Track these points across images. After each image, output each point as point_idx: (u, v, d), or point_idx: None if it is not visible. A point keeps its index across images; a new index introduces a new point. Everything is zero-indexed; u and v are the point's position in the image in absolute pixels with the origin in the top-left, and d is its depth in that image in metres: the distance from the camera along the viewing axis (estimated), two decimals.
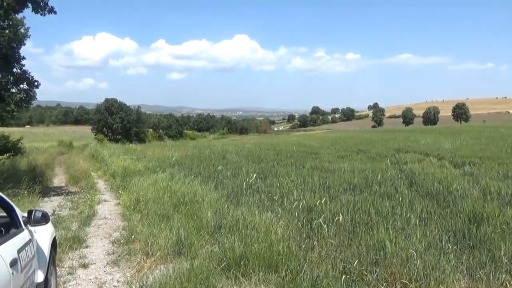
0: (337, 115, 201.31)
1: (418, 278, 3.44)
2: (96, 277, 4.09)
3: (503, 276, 3.52)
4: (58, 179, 12.25)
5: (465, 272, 3.69)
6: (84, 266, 4.37)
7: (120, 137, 58.46)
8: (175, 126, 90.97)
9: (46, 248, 3.14)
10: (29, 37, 11.33)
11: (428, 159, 11.81)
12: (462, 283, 3.48)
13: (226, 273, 3.77)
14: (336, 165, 10.97)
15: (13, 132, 21.64)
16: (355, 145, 19.29)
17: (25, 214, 3.01)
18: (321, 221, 4.58)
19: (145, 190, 7.41)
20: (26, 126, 73.84)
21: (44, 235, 3.21)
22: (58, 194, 9.21)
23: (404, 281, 3.42)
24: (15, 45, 10.86)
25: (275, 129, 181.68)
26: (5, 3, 8.50)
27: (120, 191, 8.56)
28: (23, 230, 2.85)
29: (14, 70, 11.01)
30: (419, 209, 5.67)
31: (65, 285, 3.92)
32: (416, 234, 4.36)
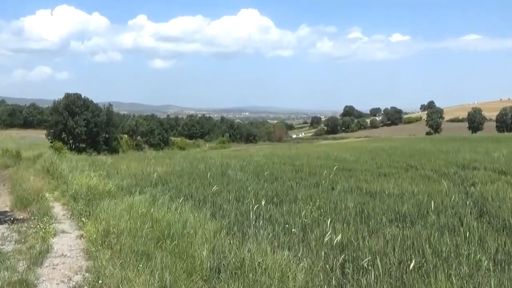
0: (378, 118, 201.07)
1: None
2: None
3: None
4: (0, 202, 12.27)
5: None
6: None
7: (84, 145, 58.24)
8: (159, 132, 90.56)
9: None
10: None
11: (504, 179, 11.75)
12: None
13: None
14: (377, 186, 10.98)
15: None
16: (403, 159, 19.25)
17: None
18: (358, 264, 4.52)
19: (117, 218, 7.45)
20: None
21: None
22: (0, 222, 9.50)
23: None
24: None
25: (294, 136, 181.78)
26: None
27: (83, 218, 8.65)
28: None
29: None
30: (493, 248, 5.59)
31: None
32: (489, 284, 4.28)
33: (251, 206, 8.01)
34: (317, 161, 18.54)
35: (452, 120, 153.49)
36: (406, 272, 4.64)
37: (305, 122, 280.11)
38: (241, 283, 4.20)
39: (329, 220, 6.38)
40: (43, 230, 7.86)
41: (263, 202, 7.93)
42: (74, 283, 5.38)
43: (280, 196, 9.57)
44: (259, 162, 18.67)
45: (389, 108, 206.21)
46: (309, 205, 8.23)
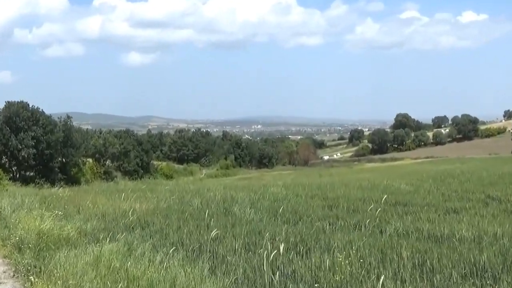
0: (444, 130, 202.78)
1: None
2: None
3: None
4: None
5: None
6: None
7: (33, 173, 59.09)
8: (136, 154, 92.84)
9: None
10: None
11: None
12: None
13: None
14: (445, 228, 11.00)
15: None
16: (480, 188, 19.32)
17: None
18: None
19: (78, 276, 7.48)
20: None
21: None
22: None
23: None
24: None
25: (326, 157, 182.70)
26: None
27: (32, 277, 8.55)
28: None
29: None
30: None
31: None
32: None
33: (266, 257, 7.98)
34: (358, 193, 18.58)
35: None
36: None
37: (341, 138, 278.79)
38: None
39: (375, 276, 6.42)
40: None
41: (282, 251, 7.86)
42: None
43: (307, 243, 9.62)
44: (277, 195, 18.70)
45: (459, 116, 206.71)
46: (348, 255, 8.23)
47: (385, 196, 17.03)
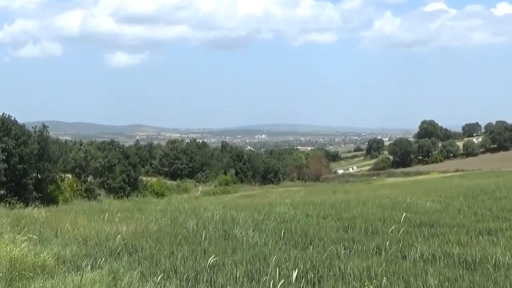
0: (476, 140, 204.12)
1: None
2: None
3: None
4: None
5: None
6: None
7: (4, 191, 59.18)
8: (122, 168, 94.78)
9: None
10: None
11: None
12: None
13: None
14: (478, 252, 11.00)
15: None
16: None
17: None
18: None
19: None
20: None
21: None
22: None
23: None
24: None
25: (341, 171, 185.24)
26: None
27: None
28: None
29: None
30: None
31: None
32: None
33: (272, 287, 8.01)
34: (378, 212, 18.60)
35: None
36: None
37: (358, 149, 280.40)
38: None
39: None
40: None
41: (293, 279, 7.86)
42: None
43: (319, 270, 9.59)
44: (284, 215, 18.73)
45: (493, 123, 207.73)
46: (365, 284, 8.19)
47: (409, 215, 16.92)
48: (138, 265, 10.60)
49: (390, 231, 13.92)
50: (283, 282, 7.94)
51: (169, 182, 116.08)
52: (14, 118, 61.41)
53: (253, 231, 14.85)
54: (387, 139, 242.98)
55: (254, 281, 9.09)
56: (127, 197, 60.42)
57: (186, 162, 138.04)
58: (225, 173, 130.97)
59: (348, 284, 8.56)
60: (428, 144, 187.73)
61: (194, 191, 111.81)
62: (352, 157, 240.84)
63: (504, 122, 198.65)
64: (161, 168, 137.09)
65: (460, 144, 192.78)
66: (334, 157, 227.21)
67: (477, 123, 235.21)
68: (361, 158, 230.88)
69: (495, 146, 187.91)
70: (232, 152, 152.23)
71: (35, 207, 29.54)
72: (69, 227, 16.68)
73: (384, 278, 8.77)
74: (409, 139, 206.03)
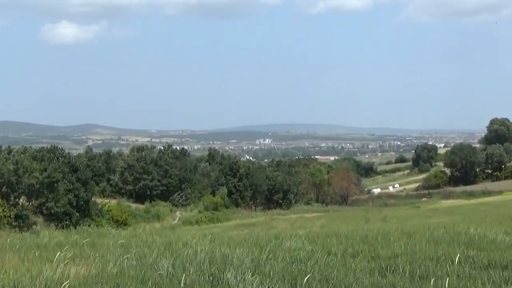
0: None
1: None
2: None
3: None
4: None
5: None
6: None
7: None
8: (69, 186, 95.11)
9: None
10: None
11: None
12: None
13: None
14: None
15: None
16: None
17: None
18: None
19: None
20: None
21: None
22: None
23: None
24: None
25: (376, 190, 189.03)
26: None
27: None
28: None
29: None
30: None
31: None
32: None
33: None
34: (429, 248, 18.56)
35: None
36: None
37: (400, 160, 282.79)
38: None
39: None
40: None
41: None
42: None
43: None
44: (296, 252, 18.61)
45: None
46: None
47: (472, 253, 16.82)
48: None
49: (445, 275, 13.70)
50: None
51: (134, 205, 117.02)
52: None
53: (252, 275, 14.64)
54: (442, 145, 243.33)
55: None
56: (75, 227, 60.22)
57: (158, 177, 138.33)
58: (213, 193, 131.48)
59: None
60: (500, 153, 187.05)
61: (170, 218, 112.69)
62: (393, 171, 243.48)
63: None
64: (123, 186, 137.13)
65: None
66: (368, 170, 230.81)
67: None
68: (406, 172, 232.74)
69: None
70: (224, 163, 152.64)
71: None
72: None
73: None
74: (473, 145, 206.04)
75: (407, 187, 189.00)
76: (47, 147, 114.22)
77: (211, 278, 14.70)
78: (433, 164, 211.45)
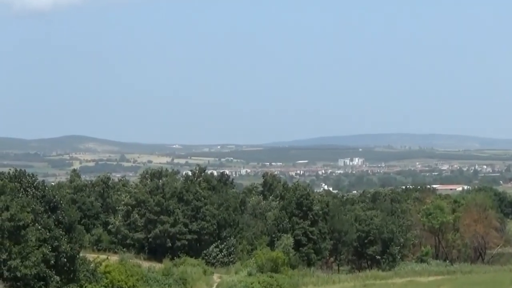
0: None
1: None
2: None
3: None
4: None
5: None
6: None
7: None
8: (43, 233, 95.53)
9: None
10: None
11: None
12: None
13: None
14: None
15: None
16: None
17: None
18: None
19: None
20: None
21: None
22: None
23: None
24: None
25: None
26: None
27: None
28: None
29: None
30: None
31: None
32: None
33: None
34: None
35: None
36: None
37: None
38: None
39: None
40: None
41: None
42: None
43: None
44: None
45: None
46: None
47: None
48: None
49: None
50: None
51: (146, 264, 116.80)
52: None
53: None
54: None
55: None
56: None
57: (184, 220, 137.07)
58: (271, 244, 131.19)
59: None
60: None
61: (203, 284, 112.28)
62: None
63: None
64: (130, 234, 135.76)
65: None
66: None
67: None
68: None
69: None
70: (288, 197, 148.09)
71: None
72: None
73: None
74: None
75: None
76: (8, 172, 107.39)
77: None
78: None
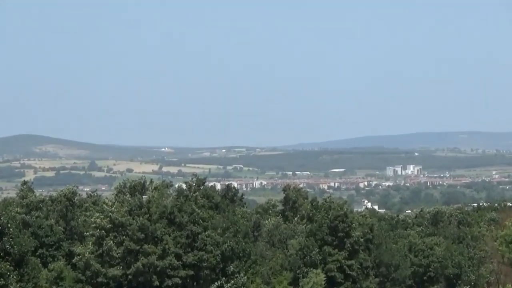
0: None
1: None
2: None
3: None
4: None
5: None
6: None
7: None
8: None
9: None
10: None
11: None
12: None
13: None
14: None
15: None
16: None
17: None
18: None
19: None
20: None
21: None
22: None
23: None
24: None
25: None
26: None
27: None
28: None
29: None
30: None
31: None
32: None
33: None
34: None
35: None
36: None
37: None
38: None
39: None
40: None
41: None
42: None
43: None
44: None
45: None
46: None
47: None
48: None
49: None
50: None
51: None
52: None
53: None
54: None
55: None
56: None
57: (176, 249, 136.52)
58: (295, 281, 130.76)
59: None
60: None
61: None
62: None
63: None
64: (102, 270, 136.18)
65: None
66: None
67: None
68: None
69: None
70: (317, 219, 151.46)
71: None
72: None
73: None
74: None
75: None
76: None
77: None
78: None
